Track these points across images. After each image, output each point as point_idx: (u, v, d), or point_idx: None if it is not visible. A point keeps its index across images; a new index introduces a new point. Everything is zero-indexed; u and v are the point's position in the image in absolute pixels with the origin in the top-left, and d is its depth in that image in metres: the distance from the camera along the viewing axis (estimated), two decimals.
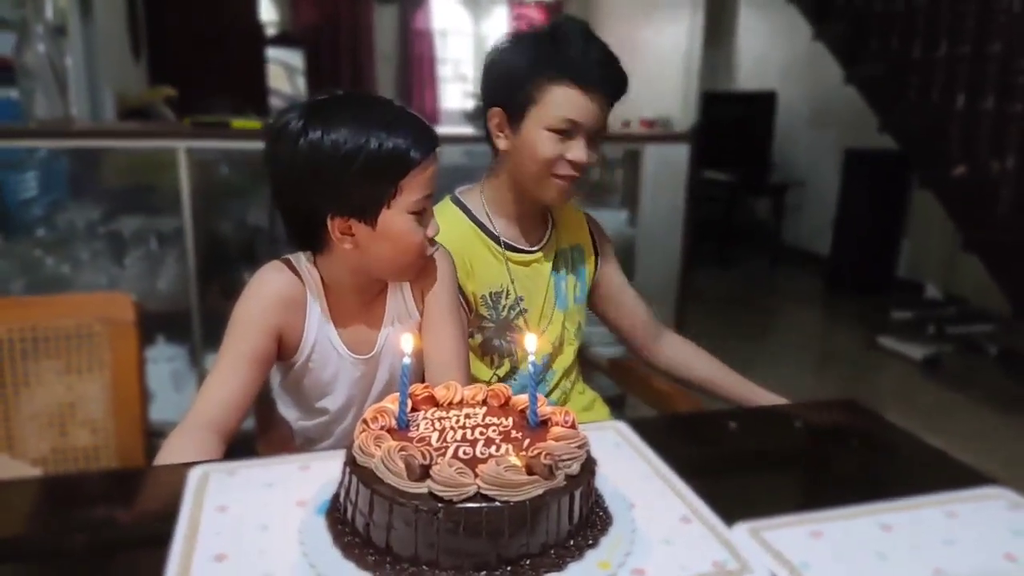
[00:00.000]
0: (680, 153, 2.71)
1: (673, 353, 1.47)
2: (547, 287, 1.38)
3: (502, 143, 1.28)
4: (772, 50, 6.45)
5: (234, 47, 5.02)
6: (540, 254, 1.37)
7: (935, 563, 0.72)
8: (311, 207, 1.02)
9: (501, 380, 1.35)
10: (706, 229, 5.61)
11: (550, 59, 1.20)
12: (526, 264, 1.36)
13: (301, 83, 7.10)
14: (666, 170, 2.69)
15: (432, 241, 1.09)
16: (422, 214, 1.05)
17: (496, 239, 1.33)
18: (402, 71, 8.25)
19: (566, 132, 1.22)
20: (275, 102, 5.80)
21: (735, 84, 6.90)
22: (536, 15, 8.49)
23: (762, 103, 6.15)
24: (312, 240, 1.07)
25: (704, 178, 5.72)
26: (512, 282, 1.34)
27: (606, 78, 1.22)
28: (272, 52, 6.42)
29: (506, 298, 1.34)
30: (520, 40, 1.25)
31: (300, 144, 0.97)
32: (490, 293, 1.32)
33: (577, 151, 1.22)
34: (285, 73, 7.02)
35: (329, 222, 1.02)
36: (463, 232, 1.31)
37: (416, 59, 8.27)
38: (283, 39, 7.16)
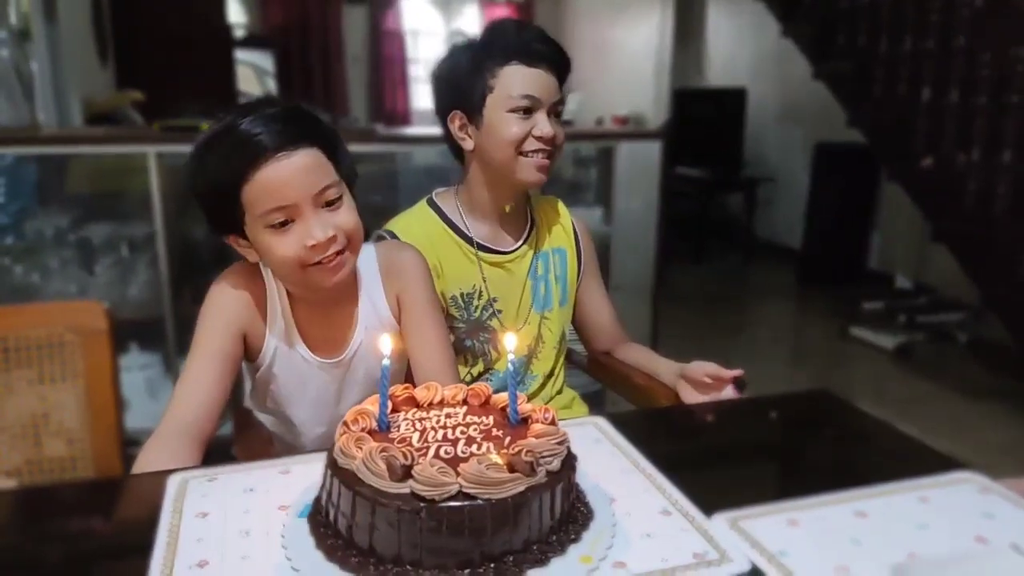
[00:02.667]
0: (652, 150, 2.74)
1: (623, 354, 1.47)
2: (523, 288, 1.37)
3: (468, 143, 1.30)
4: (741, 47, 6.51)
5: (202, 49, 4.95)
6: (516, 255, 1.37)
7: (909, 547, 0.73)
8: None
9: (475, 379, 1.36)
10: (679, 225, 5.65)
11: (494, 47, 1.26)
12: (500, 265, 1.36)
13: (271, 85, 7.04)
14: (639, 167, 2.72)
15: (322, 247, 0.97)
16: (285, 226, 0.97)
17: (469, 240, 1.34)
18: (373, 72, 8.20)
19: (527, 109, 1.25)
20: None
21: (705, 81, 6.96)
22: (507, 15, 8.49)
23: (732, 100, 6.21)
24: None
25: (677, 174, 5.76)
26: (485, 283, 1.34)
27: (548, 53, 1.26)
28: (241, 54, 6.34)
29: (479, 299, 1.34)
30: (460, 46, 1.30)
31: None
32: (461, 293, 1.33)
33: (542, 125, 1.25)
34: (255, 75, 6.95)
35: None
36: (434, 232, 1.32)
37: (387, 60, 8.22)
38: (252, 41, 7.09)
